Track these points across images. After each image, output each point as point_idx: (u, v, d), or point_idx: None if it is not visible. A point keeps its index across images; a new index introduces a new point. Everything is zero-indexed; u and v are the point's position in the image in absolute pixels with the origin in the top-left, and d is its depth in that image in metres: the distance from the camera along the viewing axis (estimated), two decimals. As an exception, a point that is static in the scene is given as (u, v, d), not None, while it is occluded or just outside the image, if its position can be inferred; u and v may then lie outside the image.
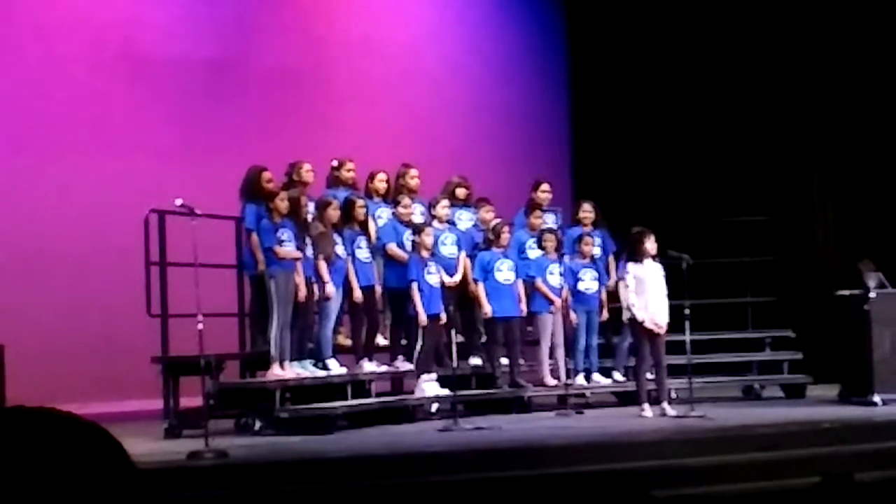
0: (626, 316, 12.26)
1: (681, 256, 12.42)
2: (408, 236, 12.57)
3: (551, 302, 13.02)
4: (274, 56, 14.94)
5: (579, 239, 13.39)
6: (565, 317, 13.12)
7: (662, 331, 12.03)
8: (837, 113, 15.66)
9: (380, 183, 12.90)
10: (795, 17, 15.76)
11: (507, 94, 16.53)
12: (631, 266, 12.12)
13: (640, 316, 11.93)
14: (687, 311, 11.96)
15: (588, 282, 13.29)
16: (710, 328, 13.56)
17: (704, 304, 13.14)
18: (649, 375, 12.16)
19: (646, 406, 12.00)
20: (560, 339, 13.12)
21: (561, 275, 13.05)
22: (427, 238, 12.38)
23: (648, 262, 12.10)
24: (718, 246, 14.90)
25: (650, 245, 12.07)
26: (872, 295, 12.52)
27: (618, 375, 13.50)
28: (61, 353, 12.68)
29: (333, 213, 11.86)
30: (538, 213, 13.44)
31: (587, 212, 13.64)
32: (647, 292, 12.00)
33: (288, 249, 11.33)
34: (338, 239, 11.90)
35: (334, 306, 11.85)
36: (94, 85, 13.74)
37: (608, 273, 13.55)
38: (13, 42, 13.38)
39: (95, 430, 2.32)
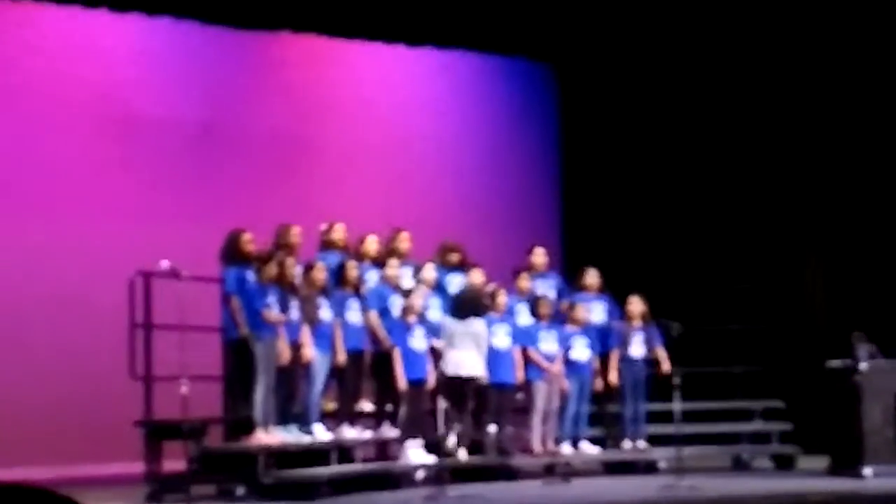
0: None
1: (670, 324, 12.38)
2: (395, 300, 12.48)
3: (544, 369, 12.92)
4: (264, 119, 14.94)
5: (571, 306, 13.34)
6: (558, 384, 13.03)
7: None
8: (831, 185, 15.65)
9: (370, 246, 12.83)
10: (787, 93, 15.78)
11: (498, 160, 16.51)
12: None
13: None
14: (677, 381, 11.87)
15: (580, 349, 13.22)
16: (699, 397, 13.47)
17: (694, 372, 13.06)
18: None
19: None
20: (553, 407, 13.03)
21: (555, 341, 12.99)
22: (415, 302, 12.31)
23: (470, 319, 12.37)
24: (709, 313, 14.85)
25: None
26: (863, 366, 12.45)
27: (627, 444, 13.46)
28: (44, 415, 12.59)
29: (319, 277, 11.80)
30: (525, 276, 13.38)
31: (593, 277, 13.62)
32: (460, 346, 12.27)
33: (274, 313, 11.25)
34: (324, 302, 11.82)
35: (320, 370, 11.75)
36: (83, 145, 13.74)
37: (612, 339, 13.51)
38: (2, 99, 13.34)
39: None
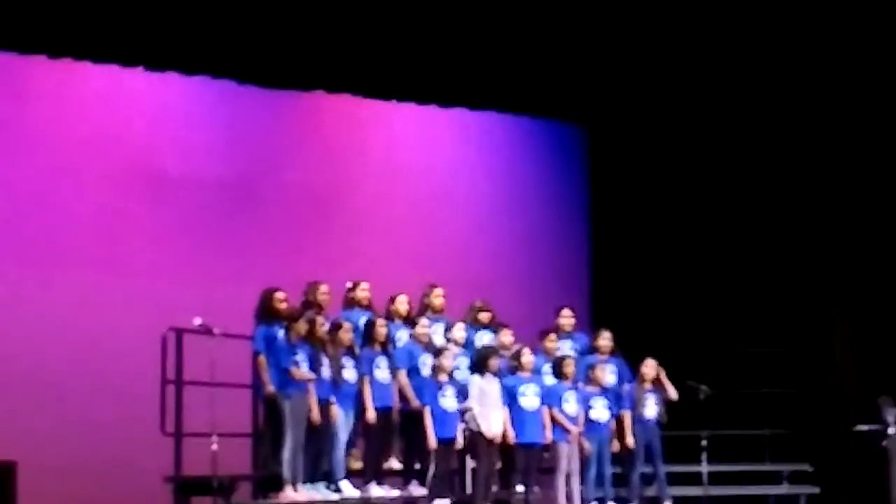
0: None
1: (699, 387, 12.40)
2: (424, 359, 12.54)
3: (567, 430, 12.94)
4: (294, 177, 15.05)
5: (591, 367, 13.35)
6: (580, 445, 13.04)
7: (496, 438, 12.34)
8: (859, 249, 15.67)
9: (400, 305, 12.90)
10: (816, 158, 15.84)
11: (528, 220, 16.58)
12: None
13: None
14: (704, 443, 11.89)
15: (599, 410, 13.23)
16: (727, 459, 13.47)
17: (721, 435, 13.07)
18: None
19: None
20: (576, 467, 13.02)
21: (577, 402, 13.00)
22: (446, 361, 12.36)
23: (489, 376, 12.36)
24: (737, 377, 14.85)
25: (493, 361, 12.47)
26: (891, 431, 12.44)
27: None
28: (73, 471, 12.64)
29: (346, 336, 11.87)
30: (553, 336, 13.41)
31: (606, 339, 13.62)
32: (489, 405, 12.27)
33: (302, 371, 11.32)
34: (349, 362, 11.89)
35: (343, 429, 11.79)
36: (114, 202, 13.84)
37: (625, 401, 13.49)
38: (33, 155, 13.50)
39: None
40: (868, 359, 15.52)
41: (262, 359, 11.33)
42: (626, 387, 13.51)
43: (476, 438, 12.35)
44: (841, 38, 15.34)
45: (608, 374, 13.46)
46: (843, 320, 15.86)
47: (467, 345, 13.02)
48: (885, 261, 15.59)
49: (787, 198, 16.04)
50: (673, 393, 13.08)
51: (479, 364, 12.53)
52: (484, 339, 13.24)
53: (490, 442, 12.41)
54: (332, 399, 11.61)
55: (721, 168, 16.25)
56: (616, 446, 13.38)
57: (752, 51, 15.64)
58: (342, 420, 11.75)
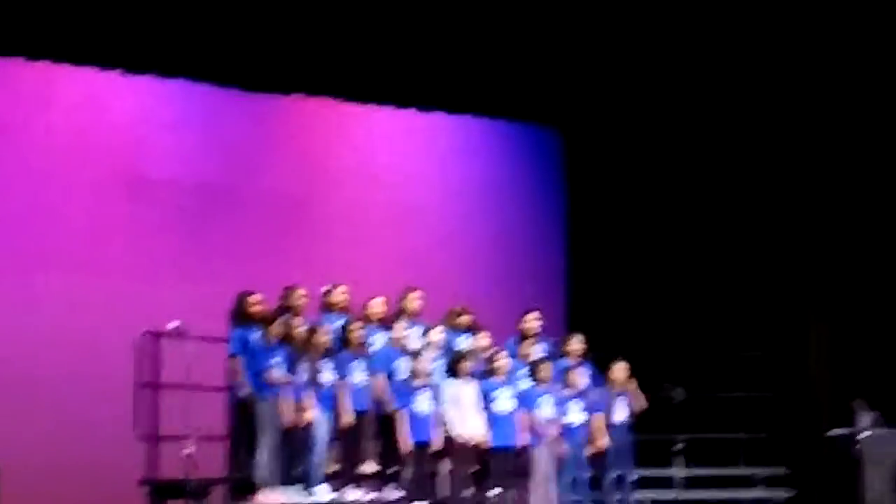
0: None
1: (674, 389, 12.44)
2: (402, 363, 12.55)
3: (543, 434, 12.97)
4: (275, 181, 15.06)
5: (566, 370, 13.37)
6: (557, 448, 13.06)
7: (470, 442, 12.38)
8: (832, 252, 15.74)
9: (376, 308, 12.91)
10: (793, 162, 15.91)
11: (504, 223, 16.60)
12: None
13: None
14: (679, 446, 11.93)
15: (575, 414, 13.25)
16: (702, 463, 13.51)
17: (697, 438, 13.12)
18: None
19: None
20: (551, 472, 13.05)
21: (553, 406, 13.02)
22: (422, 365, 12.38)
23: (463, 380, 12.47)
24: (712, 380, 14.90)
25: (466, 365, 12.51)
26: (864, 435, 12.50)
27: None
28: (49, 472, 12.62)
29: (322, 339, 11.89)
30: (529, 341, 13.43)
31: (577, 343, 13.62)
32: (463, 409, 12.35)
33: (278, 374, 11.33)
34: (327, 365, 11.91)
35: (322, 432, 11.82)
36: (92, 204, 13.83)
37: (598, 404, 13.51)
38: (11, 159, 13.49)
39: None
40: (843, 363, 15.59)
41: (238, 361, 11.34)
42: (600, 391, 13.53)
43: (450, 441, 12.38)
44: (815, 46, 15.42)
45: (583, 378, 13.48)
46: (818, 324, 15.93)
47: (447, 348, 13.04)
48: (861, 265, 15.66)
49: (763, 202, 16.10)
50: (642, 402, 13.06)
51: (452, 368, 12.57)
52: (463, 343, 13.26)
53: (464, 445, 12.45)
54: (309, 402, 11.63)
55: (697, 172, 16.30)
56: (590, 450, 13.40)
57: (726, 55, 15.71)
58: (320, 423, 11.76)
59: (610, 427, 13.35)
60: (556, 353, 13.62)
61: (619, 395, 13.43)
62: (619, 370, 13.46)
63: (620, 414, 13.40)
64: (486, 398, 12.70)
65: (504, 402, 12.77)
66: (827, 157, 15.81)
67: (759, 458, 14.83)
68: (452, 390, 12.48)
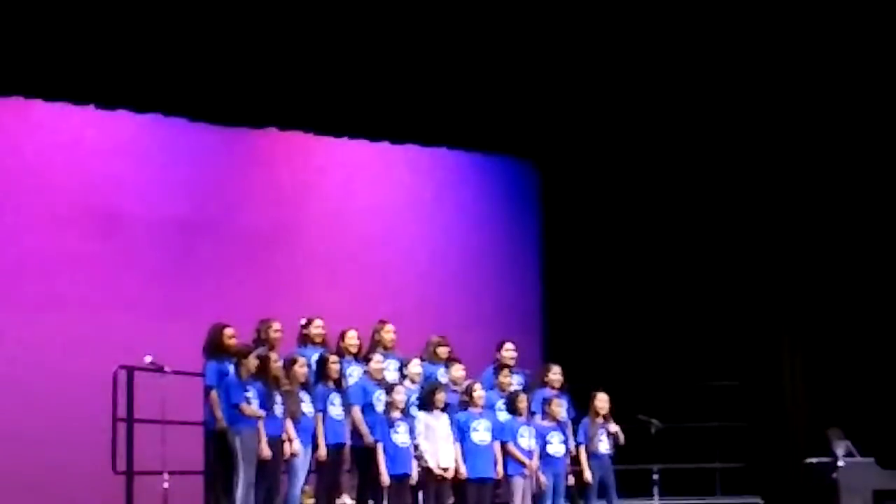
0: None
1: (650, 420, 12.44)
2: (379, 395, 12.53)
3: (523, 465, 12.95)
4: (249, 215, 15.07)
5: (547, 401, 13.36)
6: (536, 480, 13.03)
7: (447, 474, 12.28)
8: (806, 280, 15.82)
9: (350, 341, 12.89)
10: (764, 191, 16.01)
11: (480, 255, 16.64)
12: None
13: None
14: (655, 476, 11.93)
15: (556, 445, 13.23)
16: (678, 493, 13.52)
17: (673, 468, 13.13)
18: None
19: None
20: (529, 502, 13.02)
21: (533, 437, 13.01)
22: (398, 397, 12.35)
23: (437, 412, 12.36)
24: (688, 410, 14.92)
25: (439, 397, 12.40)
26: (841, 463, 12.53)
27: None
28: (25, 508, 12.58)
29: (300, 371, 11.87)
30: (507, 372, 13.43)
31: (556, 374, 13.62)
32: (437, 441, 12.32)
33: (253, 408, 11.29)
34: (305, 397, 11.88)
35: (302, 465, 11.78)
36: (65, 239, 13.82)
37: (579, 436, 13.50)
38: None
39: None
40: (818, 392, 15.64)
41: (215, 394, 11.31)
42: (584, 421, 13.51)
43: (428, 474, 12.36)
44: (784, 71, 15.53)
45: (562, 409, 13.47)
46: (792, 354, 15.98)
47: (426, 380, 13.01)
48: (835, 294, 15.74)
49: (736, 233, 16.18)
50: (620, 438, 13.05)
51: (425, 400, 12.55)
52: (442, 374, 13.24)
53: (440, 477, 12.42)
54: (285, 436, 11.58)
55: (671, 204, 16.39)
56: (571, 481, 13.38)
57: (698, 89, 15.81)
58: (302, 455, 11.73)
59: (595, 458, 13.32)
60: (535, 384, 13.62)
61: (601, 425, 13.41)
62: (602, 400, 13.44)
63: (604, 445, 13.38)
64: (464, 429, 12.68)
65: (481, 433, 12.75)
66: (797, 191, 15.92)
67: (735, 488, 14.86)
68: (426, 422, 12.47)
